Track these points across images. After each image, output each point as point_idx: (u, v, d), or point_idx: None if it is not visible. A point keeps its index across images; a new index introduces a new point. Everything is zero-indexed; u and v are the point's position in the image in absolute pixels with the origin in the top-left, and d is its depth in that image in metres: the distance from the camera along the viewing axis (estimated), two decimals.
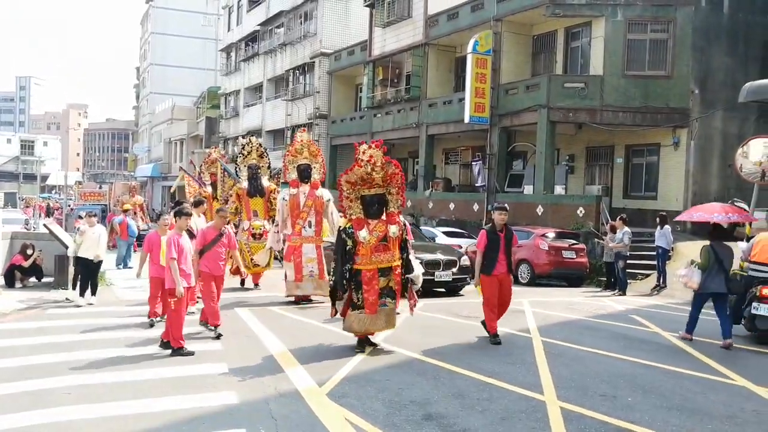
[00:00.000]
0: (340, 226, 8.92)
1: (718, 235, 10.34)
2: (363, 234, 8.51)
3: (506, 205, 10.00)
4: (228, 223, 10.41)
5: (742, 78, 18.31)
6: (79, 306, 12.08)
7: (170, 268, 8.30)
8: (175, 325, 8.26)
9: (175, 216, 9.00)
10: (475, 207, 25.10)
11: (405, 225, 9.10)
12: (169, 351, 8.26)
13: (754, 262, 10.29)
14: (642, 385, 7.20)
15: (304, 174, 13.09)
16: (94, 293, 12.59)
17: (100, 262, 12.69)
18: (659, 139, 21.67)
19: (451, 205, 26.64)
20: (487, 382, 7.13)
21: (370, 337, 8.89)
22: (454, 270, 14.45)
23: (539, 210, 21.58)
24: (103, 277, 15.18)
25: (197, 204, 12.71)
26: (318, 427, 5.65)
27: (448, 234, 21.07)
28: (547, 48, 25.13)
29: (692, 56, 20.96)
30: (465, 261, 14.73)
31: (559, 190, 22.62)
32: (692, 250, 18.54)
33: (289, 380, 7.07)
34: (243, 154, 15.31)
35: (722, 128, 21.15)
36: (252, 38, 45.98)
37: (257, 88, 45.82)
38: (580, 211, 20.43)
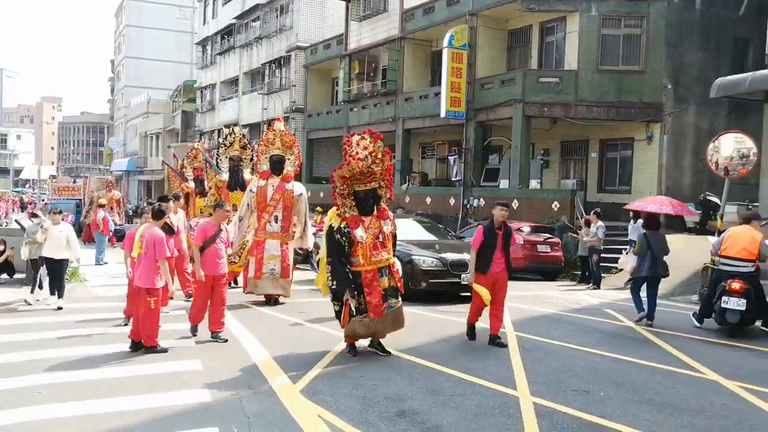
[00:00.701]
0: (332, 226, 8.09)
1: (651, 224, 11.54)
2: (360, 233, 7.93)
3: (506, 201, 9.71)
4: (227, 219, 9.71)
5: (713, 73, 18.50)
6: (48, 306, 11.59)
7: (161, 266, 8.20)
8: (153, 325, 8.15)
9: (154, 215, 8.72)
10: (452, 201, 25.18)
11: (393, 219, 8.65)
12: (140, 350, 8.14)
13: (724, 256, 10.43)
14: (614, 380, 7.29)
15: (276, 165, 12.32)
16: (60, 296, 11.66)
17: (66, 262, 11.86)
18: (633, 133, 21.87)
19: (428, 200, 26.69)
20: (462, 378, 7.17)
21: (381, 340, 8.33)
22: None
23: (514, 204, 21.69)
24: (76, 273, 15.02)
25: (173, 199, 12.16)
26: (291, 425, 5.64)
27: None
28: (522, 43, 25.23)
29: (665, 51, 21.15)
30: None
31: (534, 184, 22.78)
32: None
33: (263, 377, 7.05)
34: (225, 145, 14.60)
35: (695, 123, 21.39)
36: (228, 31, 45.64)
37: (233, 82, 45.53)
38: (555, 205, 20.58)
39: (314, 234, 14.34)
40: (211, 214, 14.63)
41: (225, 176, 14.32)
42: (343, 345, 8.39)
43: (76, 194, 35.73)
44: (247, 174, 14.33)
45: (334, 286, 8.01)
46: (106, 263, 18.72)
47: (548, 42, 24.27)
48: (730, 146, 14.31)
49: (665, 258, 11.08)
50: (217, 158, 14.87)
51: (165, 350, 8.12)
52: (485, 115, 24.25)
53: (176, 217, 12.05)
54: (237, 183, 14.11)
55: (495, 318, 9.00)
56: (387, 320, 8.03)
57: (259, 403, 6.20)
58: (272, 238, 12.11)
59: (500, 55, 25.55)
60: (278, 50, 38.31)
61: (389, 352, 8.16)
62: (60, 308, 11.32)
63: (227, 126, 26.55)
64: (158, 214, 8.68)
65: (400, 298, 8.24)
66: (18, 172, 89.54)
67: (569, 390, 6.84)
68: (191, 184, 16.81)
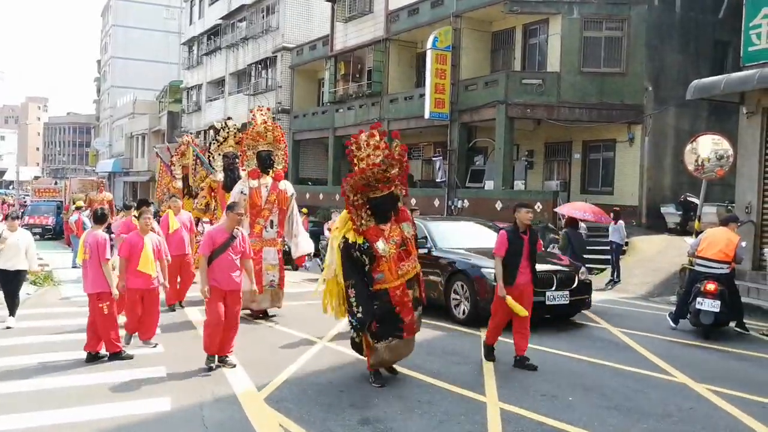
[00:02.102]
0: (347, 240, 6.91)
1: (573, 224, 14.53)
2: (381, 246, 6.83)
3: (528, 202, 9.05)
4: (240, 224, 8.25)
5: (693, 75, 18.56)
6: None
7: (104, 269, 7.92)
8: (111, 329, 7.96)
9: (96, 220, 8.44)
10: (436, 202, 25.18)
11: (413, 219, 7.57)
12: (90, 361, 7.88)
13: (700, 257, 10.49)
14: (584, 384, 7.28)
15: (266, 162, 11.02)
16: (12, 313, 10.28)
17: (23, 274, 10.58)
18: (615, 135, 21.95)
19: (413, 201, 26.66)
20: (430, 383, 7.15)
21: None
22: (572, 288, 10.59)
23: (498, 205, 21.72)
24: (50, 277, 14.86)
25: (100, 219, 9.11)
26: None
27: None
28: (506, 44, 25.26)
29: (646, 54, 21.24)
30: (584, 274, 11.18)
31: (518, 185, 22.82)
32: (647, 244, 18.95)
33: (227, 384, 6.97)
34: (218, 141, 13.23)
35: (675, 124, 21.48)
36: (214, 32, 45.51)
37: (219, 83, 45.40)
38: (538, 207, 20.60)
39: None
40: (199, 219, 13.98)
41: (220, 176, 12.98)
42: (315, 349, 8.32)
43: (57, 196, 35.53)
44: (243, 173, 12.28)
45: (360, 315, 6.80)
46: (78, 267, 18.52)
47: (531, 44, 24.32)
48: (707, 148, 14.36)
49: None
50: (209, 156, 13.56)
51: (131, 357, 7.98)
52: (469, 117, 24.27)
53: (179, 218, 11.72)
54: (234, 183, 12.24)
55: (521, 336, 8.04)
56: (412, 340, 7.26)
57: (220, 411, 6.13)
58: (269, 245, 10.86)
59: (484, 57, 25.59)
60: (264, 51, 38.24)
61: (397, 372, 7.42)
62: (9, 327, 9.94)
63: (215, 125, 25.65)
64: (100, 218, 8.42)
65: (420, 309, 7.31)
66: (2, 173, 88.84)
67: (538, 395, 6.83)
68: (178, 184, 15.84)
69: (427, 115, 24.21)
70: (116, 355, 7.96)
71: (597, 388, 7.11)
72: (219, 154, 13.11)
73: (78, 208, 21.08)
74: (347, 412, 6.19)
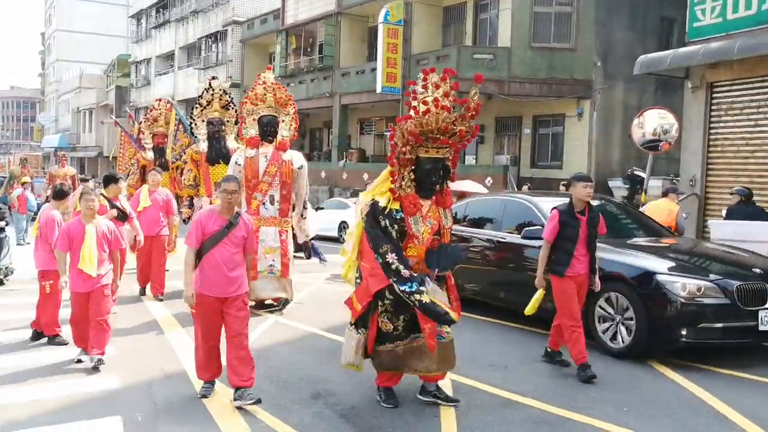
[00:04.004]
0: (375, 204, 5.53)
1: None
2: (416, 223, 5.45)
3: (588, 175, 7.17)
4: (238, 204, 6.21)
5: (640, 51, 18.78)
6: None
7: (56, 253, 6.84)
8: (50, 311, 7.52)
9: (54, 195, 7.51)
10: None
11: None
12: (44, 339, 7.56)
13: None
14: (532, 355, 7.36)
15: (268, 130, 9.52)
16: None
17: None
18: (564, 109, 22.22)
19: (365, 176, 26.60)
20: None
21: (440, 382, 5.90)
22: None
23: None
24: None
25: (58, 195, 7.95)
26: (201, 411, 5.52)
27: None
28: (457, 19, 25.31)
29: (595, 30, 21.48)
30: None
31: (469, 160, 23.01)
32: None
33: (178, 360, 6.88)
34: (200, 105, 11.25)
35: (623, 99, 21.83)
36: (163, 5, 44.64)
37: (169, 57, 44.62)
38: (489, 181, 20.80)
39: None
40: (191, 197, 11.93)
41: (203, 146, 11.15)
42: (266, 325, 8.07)
43: (1, 171, 34.63)
44: (231, 142, 11.28)
45: (409, 276, 5.27)
46: (28, 243, 17.90)
47: (482, 19, 24.41)
48: (653, 122, 14.64)
49: None
50: (191, 123, 11.71)
51: (66, 343, 7.44)
52: None
53: (154, 196, 10.35)
54: (219, 154, 10.96)
55: (559, 331, 6.89)
56: (432, 355, 5.48)
57: (169, 388, 6.06)
58: (268, 224, 9.29)
59: (436, 31, 25.62)
60: (214, 25, 37.65)
61: (458, 400, 5.83)
62: None
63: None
64: (58, 195, 7.77)
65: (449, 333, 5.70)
66: None
67: (486, 365, 6.91)
68: (149, 155, 14.11)
69: (379, 90, 24.20)
70: (53, 338, 7.58)
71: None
72: (202, 121, 11.22)
73: (23, 184, 20.42)
74: (298, 386, 6.18)
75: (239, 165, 9.40)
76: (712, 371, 6.90)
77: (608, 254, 7.48)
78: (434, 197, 5.59)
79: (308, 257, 10.33)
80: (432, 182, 5.52)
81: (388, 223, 5.40)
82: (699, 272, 7.29)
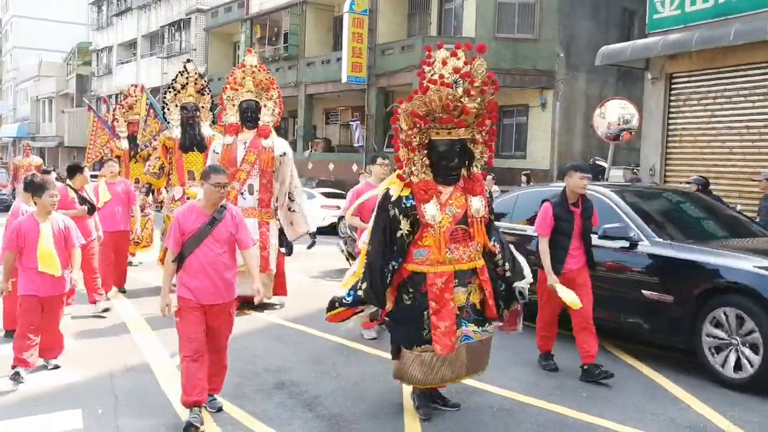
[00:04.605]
0: (386, 192, 5.07)
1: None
2: (431, 210, 4.89)
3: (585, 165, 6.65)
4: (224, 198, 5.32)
5: (603, 42, 19.02)
6: None
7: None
8: (13, 303, 6.91)
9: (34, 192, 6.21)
10: (354, 167, 25.22)
11: (490, 194, 5.32)
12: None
13: None
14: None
15: (248, 115, 9.03)
16: None
17: None
18: (528, 100, 22.41)
19: (331, 166, 26.69)
20: (347, 346, 7.18)
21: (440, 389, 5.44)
22: None
23: None
24: None
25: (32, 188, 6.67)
26: (162, 402, 5.48)
27: (327, 195, 21.09)
28: (422, 9, 25.37)
29: (558, 20, 21.71)
30: None
31: None
32: None
33: (140, 352, 6.83)
34: (174, 89, 10.51)
35: (585, 90, 22.13)
36: None
37: (131, 45, 43.96)
38: None
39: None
40: (149, 184, 11.28)
41: (176, 132, 10.39)
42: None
43: None
44: (206, 129, 10.56)
45: (360, 291, 5.06)
46: None
47: (447, 9, 24.49)
48: (615, 112, 14.85)
49: None
50: (164, 108, 10.91)
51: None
52: (386, 81, 24.35)
53: (113, 188, 9.61)
54: (193, 141, 10.27)
55: (586, 335, 6.20)
56: (459, 359, 5.00)
57: (131, 380, 6.01)
58: (247, 215, 8.17)
59: (401, 21, 25.67)
60: (178, 12, 37.17)
61: (458, 405, 5.45)
62: None
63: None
64: (33, 187, 6.56)
65: (489, 326, 5.22)
66: None
67: None
68: (123, 144, 13.40)
69: (344, 79, 24.19)
70: (11, 333, 6.99)
71: (502, 347, 6.97)
72: (176, 105, 10.45)
73: None
74: (262, 376, 6.18)
75: (217, 153, 8.96)
76: (662, 355, 7.04)
77: (723, 261, 6.14)
78: (460, 183, 5.08)
79: (288, 254, 9.70)
80: (449, 167, 4.98)
81: (397, 213, 4.93)
82: None
